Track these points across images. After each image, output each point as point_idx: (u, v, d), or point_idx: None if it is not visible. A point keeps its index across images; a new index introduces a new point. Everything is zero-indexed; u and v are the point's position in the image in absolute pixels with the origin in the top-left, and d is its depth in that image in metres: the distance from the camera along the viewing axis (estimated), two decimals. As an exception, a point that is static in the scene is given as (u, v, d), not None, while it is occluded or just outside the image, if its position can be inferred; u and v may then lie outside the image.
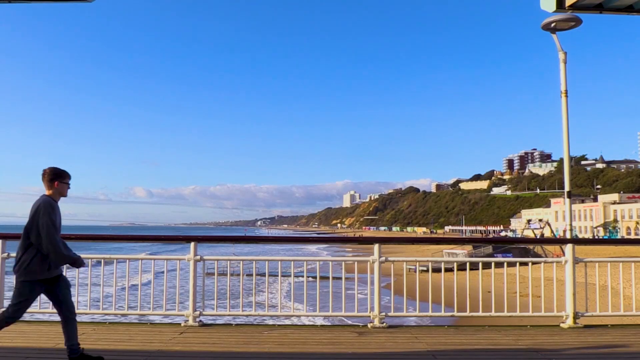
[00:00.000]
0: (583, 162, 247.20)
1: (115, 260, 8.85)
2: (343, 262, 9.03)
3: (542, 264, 8.68)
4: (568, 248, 8.51)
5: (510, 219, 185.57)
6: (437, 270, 8.59)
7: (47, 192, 5.89)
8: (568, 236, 8.87)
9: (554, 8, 4.90)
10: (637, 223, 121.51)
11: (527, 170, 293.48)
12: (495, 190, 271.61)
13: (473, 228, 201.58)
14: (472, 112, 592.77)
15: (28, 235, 5.62)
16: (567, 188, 8.95)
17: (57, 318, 8.50)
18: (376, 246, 8.38)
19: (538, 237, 70.70)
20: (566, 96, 8.84)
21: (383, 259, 8.37)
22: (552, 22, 8.58)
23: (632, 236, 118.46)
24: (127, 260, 8.93)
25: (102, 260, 8.76)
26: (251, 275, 8.62)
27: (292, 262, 8.66)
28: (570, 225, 8.96)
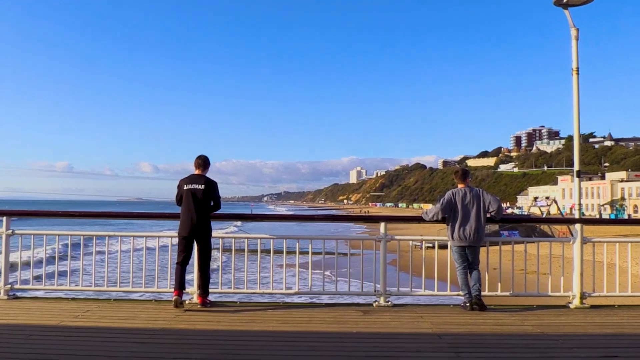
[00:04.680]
0: (591, 140, 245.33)
1: (120, 237, 8.80)
2: (349, 240, 8.96)
3: (550, 243, 8.58)
4: (576, 228, 8.41)
5: (517, 196, 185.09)
6: (443, 247, 8.52)
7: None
8: (576, 215, 8.76)
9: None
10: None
11: (534, 148, 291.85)
12: (503, 167, 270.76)
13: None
14: (480, 89, 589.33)
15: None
16: (576, 167, 8.79)
17: (62, 294, 8.55)
18: (382, 224, 8.31)
19: (544, 214, 70.49)
20: (577, 74, 8.63)
21: (389, 237, 8.31)
22: (564, -4, 8.33)
23: (639, 214, 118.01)
24: (132, 238, 8.90)
25: (107, 237, 8.73)
26: (256, 251, 8.57)
27: (298, 241, 8.59)
28: (579, 204, 8.83)
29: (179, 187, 7.97)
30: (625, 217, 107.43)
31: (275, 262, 8.66)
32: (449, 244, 8.15)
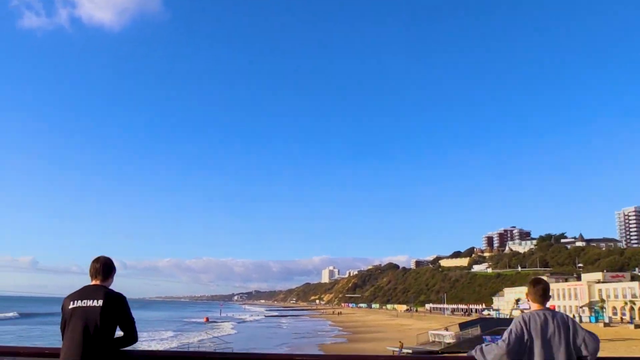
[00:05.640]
0: (563, 240, 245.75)
1: None
2: None
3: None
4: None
5: (493, 297, 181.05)
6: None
7: None
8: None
9: None
10: (625, 303, 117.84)
11: (507, 248, 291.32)
12: (476, 268, 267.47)
13: (455, 306, 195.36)
14: (452, 189, 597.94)
15: None
16: None
17: None
18: None
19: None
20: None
21: None
22: None
23: (619, 316, 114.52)
24: None
25: None
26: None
27: None
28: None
29: (63, 307, 4.76)
30: (606, 319, 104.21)
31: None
32: None
